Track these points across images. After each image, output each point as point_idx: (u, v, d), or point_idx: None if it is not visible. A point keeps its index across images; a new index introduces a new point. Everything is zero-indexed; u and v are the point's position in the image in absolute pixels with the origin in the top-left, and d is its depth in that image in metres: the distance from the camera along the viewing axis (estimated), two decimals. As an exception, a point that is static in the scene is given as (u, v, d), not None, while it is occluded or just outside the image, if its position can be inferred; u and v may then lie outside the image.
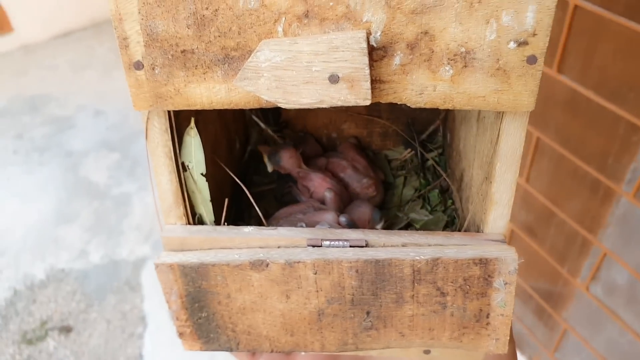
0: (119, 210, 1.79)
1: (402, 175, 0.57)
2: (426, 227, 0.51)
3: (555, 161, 0.89)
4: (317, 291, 0.39)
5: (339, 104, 0.33)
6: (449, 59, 0.33)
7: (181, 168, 0.40)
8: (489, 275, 0.37)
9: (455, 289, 0.38)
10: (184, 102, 0.35)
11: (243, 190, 0.48)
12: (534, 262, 1.05)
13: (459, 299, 0.39)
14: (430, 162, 0.57)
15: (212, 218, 0.43)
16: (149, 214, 1.76)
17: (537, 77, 0.33)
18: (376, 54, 0.33)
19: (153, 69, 0.34)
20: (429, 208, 0.53)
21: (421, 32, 0.32)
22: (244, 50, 0.33)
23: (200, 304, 0.41)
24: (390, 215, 0.54)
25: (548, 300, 1.05)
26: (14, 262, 1.65)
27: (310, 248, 0.40)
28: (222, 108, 0.35)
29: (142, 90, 0.35)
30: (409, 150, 0.59)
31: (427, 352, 0.44)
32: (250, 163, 0.60)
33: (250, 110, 0.61)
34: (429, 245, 0.39)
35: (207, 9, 0.32)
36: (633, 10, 0.67)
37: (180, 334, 0.43)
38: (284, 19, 0.32)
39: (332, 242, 0.39)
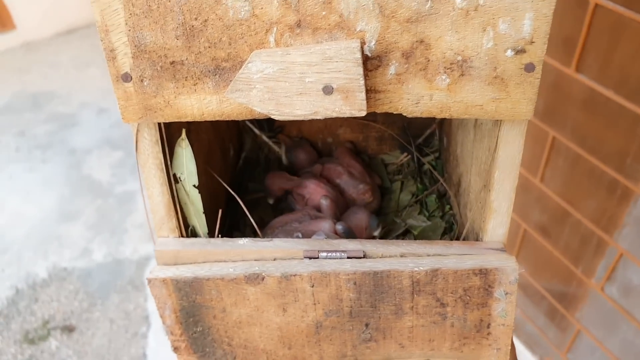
0: (123, 209, 1.78)
1: (398, 180, 0.57)
2: (424, 233, 0.50)
3: (571, 161, 0.88)
4: (315, 304, 0.39)
5: (334, 115, 0.32)
6: (445, 67, 0.32)
7: (173, 180, 0.40)
8: (489, 286, 0.37)
9: (455, 300, 0.37)
10: (174, 114, 0.34)
11: (236, 197, 0.48)
12: (547, 263, 1.04)
13: (459, 310, 0.38)
14: (426, 166, 0.56)
15: (206, 230, 0.42)
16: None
17: (536, 85, 0.32)
18: (371, 63, 0.32)
19: (142, 80, 0.33)
20: (427, 214, 0.52)
21: (416, 41, 0.31)
22: (235, 61, 0.32)
23: (195, 319, 0.40)
24: (387, 221, 0.53)
25: (561, 300, 1.04)
26: (16, 260, 1.64)
27: (307, 260, 0.39)
28: (213, 119, 0.34)
29: (131, 102, 0.34)
30: (405, 154, 0.58)
31: (426, 362, 0.43)
32: (245, 169, 0.59)
33: (244, 116, 0.60)
34: (428, 256, 0.38)
35: (196, 19, 0.31)
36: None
37: (175, 349, 0.42)
38: (275, 29, 0.31)
39: (330, 254, 0.39)
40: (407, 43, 0.31)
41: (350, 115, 0.32)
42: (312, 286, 0.38)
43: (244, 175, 0.58)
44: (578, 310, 1.01)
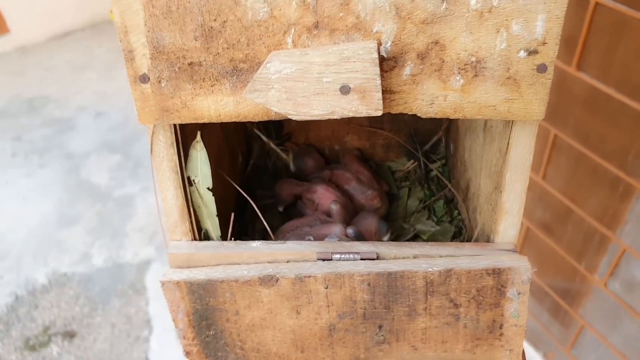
0: (122, 212, 1.76)
1: (406, 187, 0.57)
2: (434, 238, 0.50)
3: (574, 158, 0.89)
4: (328, 306, 0.39)
5: (351, 114, 0.32)
6: (459, 68, 0.32)
7: (187, 183, 0.40)
8: (502, 286, 0.37)
9: (469, 300, 0.38)
10: (191, 116, 0.35)
11: (246, 204, 0.48)
12: (550, 260, 1.04)
13: (472, 310, 0.38)
14: (434, 172, 0.57)
15: (219, 233, 0.42)
16: (153, 216, 1.73)
17: (547, 86, 0.33)
18: (386, 64, 0.32)
19: (159, 82, 0.33)
20: (435, 219, 0.52)
21: (432, 42, 0.32)
22: (253, 62, 0.33)
23: (207, 322, 0.40)
24: (396, 227, 0.53)
25: (564, 297, 1.05)
26: (16, 266, 1.62)
27: (321, 262, 0.39)
28: (230, 121, 0.35)
29: (148, 103, 0.34)
30: (412, 161, 0.59)
31: (438, 365, 0.43)
32: (252, 176, 0.59)
33: (252, 123, 0.60)
34: (441, 257, 0.38)
35: (215, 20, 0.31)
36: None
37: (187, 353, 0.42)
38: (293, 30, 0.31)
39: (343, 255, 0.39)
40: (422, 44, 0.32)
41: (366, 115, 0.32)
42: (326, 287, 0.38)
43: (252, 182, 0.59)
44: (581, 306, 1.01)
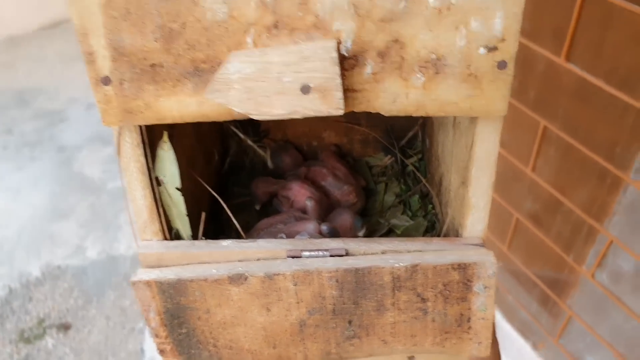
0: (115, 205, 1.76)
1: (383, 182, 0.57)
2: (407, 232, 0.51)
3: (563, 150, 0.89)
4: (298, 302, 0.39)
5: (312, 114, 0.33)
6: (420, 66, 0.32)
7: (155, 183, 0.40)
8: (468, 280, 0.37)
9: (436, 295, 0.38)
10: (154, 117, 0.35)
11: (219, 200, 0.48)
12: (539, 251, 1.05)
13: (440, 304, 0.38)
14: (410, 167, 0.57)
15: (190, 232, 0.43)
16: (146, 208, 1.73)
17: (508, 82, 0.33)
18: (347, 63, 0.32)
19: (121, 83, 0.33)
20: (410, 213, 0.53)
21: (391, 40, 0.32)
22: (213, 62, 0.33)
23: (179, 320, 0.41)
24: (372, 222, 0.53)
25: (553, 287, 1.06)
26: (8, 259, 1.62)
27: (290, 259, 0.39)
28: (193, 121, 0.35)
29: (111, 105, 0.34)
30: (389, 156, 0.59)
31: (410, 358, 0.44)
32: (230, 174, 0.59)
33: (228, 120, 0.60)
34: (409, 252, 0.39)
35: (174, 22, 0.31)
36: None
37: (161, 351, 0.42)
38: (253, 30, 0.32)
39: (312, 253, 0.39)
40: (382, 42, 0.32)
41: (328, 114, 0.32)
42: (295, 285, 0.38)
43: (230, 179, 0.59)
44: (569, 297, 1.02)
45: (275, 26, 0.31)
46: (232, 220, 0.53)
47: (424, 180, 0.54)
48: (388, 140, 0.59)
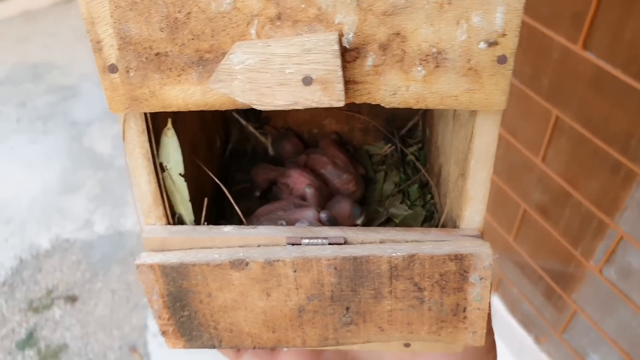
0: (124, 181, 1.78)
1: (382, 170, 0.58)
2: (405, 222, 0.51)
3: (575, 141, 0.87)
4: (297, 288, 0.40)
5: (313, 105, 0.33)
6: (421, 59, 0.33)
7: (159, 169, 0.41)
8: (464, 271, 0.38)
9: (432, 284, 0.39)
10: (159, 104, 0.35)
11: (221, 186, 0.49)
12: (546, 243, 1.04)
13: (436, 294, 0.39)
14: (410, 157, 0.58)
15: (192, 218, 0.43)
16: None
17: (508, 77, 0.33)
18: (349, 55, 0.33)
19: (127, 72, 0.34)
20: (409, 203, 0.53)
21: (393, 34, 0.32)
22: (217, 52, 0.33)
23: (181, 303, 0.42)
24: (370, 211, 0.54)
25: (558, 281, 1.05)
26: (20, 231, 1.65)
27: (290, 246, 0.40)
28: (198, 109, 0.35)
29: (118, 93, 0.35)
30: (389, 145, 0.60)
31: (407, 345, 0.45)
32: (231, 160, 0.60)
33: (231, 107, 0.61)
34: (406, 242, 0.39)
35: (179, 12, 0.32)
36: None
37: (163, 332, 0.44)
38: (256, 21, 0.32)
39: (311, 240, 0.40)
40: (383, 35, 0.32)
41: (329, 106, 0.33)
42: (295, 271, 0.39)
43: (231, 166, 0.59)
44: (575, 291, 1.02)
45: (279, 18, 0.32)
46: (233, 206, 0.54)
47: (423, 170, 0.55)
48: (388, 129, 0.60)
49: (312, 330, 0.42)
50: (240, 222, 0.52)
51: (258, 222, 0.48)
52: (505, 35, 0.32)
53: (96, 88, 2.15)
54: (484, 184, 0.39)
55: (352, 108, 0.60)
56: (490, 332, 0.46)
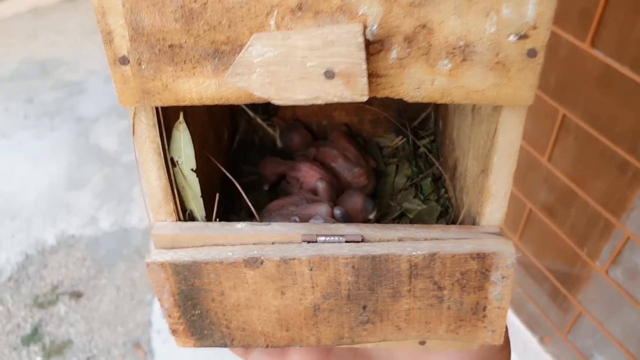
0: (130, 177, 1.79)
1: (393, 163, 0.57)
2: (420, 217, 0.50)
3: (582, 140, 0.85)
4: (313, 287, 0.39)
5: (335, 100, 0.32)
6: (447, 52, 0.32)
7: (170, 164, 0.39)
8: (486, 270, 0.37)
9: (452, 283, 0.38)
10: (172, 98, 0.34)
11: (233, 181, 0.48)
12: (552, 243, 1.03)
13: (456, 293, 0.38)
14: (422, 149, 0.57)
15: (203, 214, 0.42)
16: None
17: (537, 71, 0.32)
18: (372, 47, 0.32)
19: (139, 64, 0.32)
20: (422, 197, 0.52)
21: (419, 25, 0.31)
22: (234, 44, 0.32)
23: (193, 302, 0.40)
24: (382, 205, 0.53)
25: (564, 281, 1.04)
26: (26, 226, 1.66)
27: (305, 244, 0.39)
28: (212, 104, 0.34)
29: (129, 86, 0.33)
30: (401, 137, 0.58)
31: (422, 343, 0.44)
32: (238, 152, 0.59)
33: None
34: (426, 240, 0.38)
35: (195, 2, 0.30)
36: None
37: (173, 331, 0.42)
38: (276, 11, 0.30)
39: (328, 238, 0.39)
40: (409, 27, 0.31)
41: (351, 100, 0.32)
42: (311, 270, 0.38)
43: (238, 158, 0.58)
44: (580, 292, 1.01)
45: (300, 8, 0.30)
46: (241, 198, 0.53)
47: (437, 164, 0.53)
48: (400, 120, 0.59)
49: (327, 329, 0.41)
50: (250, 217, 0.51)
51: (270, 218, 0.47)
52: (537, 28, 0.30)
53: (103, 84, 2.16)
54: (506, 181, 0.38)
55: (362, 99, 0.58)
56: (505, 330, 0.45)
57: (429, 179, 0.54)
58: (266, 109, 0.60)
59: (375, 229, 0.40)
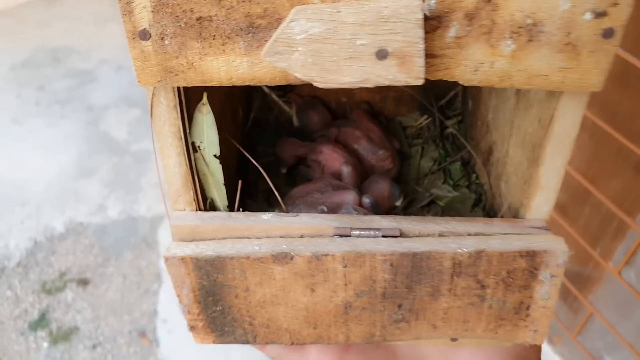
0: (138, 167, 1.79)
1: (418, 145, 0.53)
2: (452, 205, 0.47)
3: (597, 137, 0.83)
4: (346, 284, 0.36)
5: (386, 83, 0.28)
6: (512, 31, 0.28)
7: (191, 149, 0.36)
8: (535, 268, 0.34)
9: (497, 282, 0.35)
10: (198, 78, 0.30)
11: (247, 162, 0.44)
12: None
13: (500, 292, 0.36)
14: (449, 130, 0.53)
15: (226, 202, 0.39)
16: (168, 172, 1.79)
17: (611, 54, 0.29)
18: (429, 24, 0.28)
19: (162, 39, 0.29)
20: (451, 182, 0.49)
21: (483, 1, 0.27)
22: (272, 18, 0.28)
23: (215, 298, 0.37)
24: (408, 190, 0.50)
25: (575, 282, 1.02)
26: (35, 213, 1.66)
27: (338, 238, 0.36)
28: (243, 84, 0.30)
29: (149, 63, 0.29)
30: (425, 117, 0.55)
31: (454, 339, 0.42)
32: (253, 131, 0.55)
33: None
34: (469, 235, 0.36)
35: (230, -33, 0.26)
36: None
37: (192, 327, 0.40)
38: (322, -19, 0.27)
39: (363, 232, 0.36)
40: (472, 3, 0.27)
41: (405, 84, 0.28)
42: (345, 266, 0.35)
43: (253, 138, 0.54)
44: (592, 293, 0.99)
45: (349, -23, 0.27)
46: (258, 181, 0.50)
47: (469, 147, 0.50)
48: (426, 99, 0.55)
49: (357, 327, 0.39)
50: (269, 199, 0.47)
51: (294, 206, 0.43)
52: (618, 4, 0.27)
53: (114, 73, 2.13)
54: (558, 172, 0.35)
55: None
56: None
57: (459, 163, 0.51)
58: (282, 85, 0.56)
59: (413, 222, 0.37)
